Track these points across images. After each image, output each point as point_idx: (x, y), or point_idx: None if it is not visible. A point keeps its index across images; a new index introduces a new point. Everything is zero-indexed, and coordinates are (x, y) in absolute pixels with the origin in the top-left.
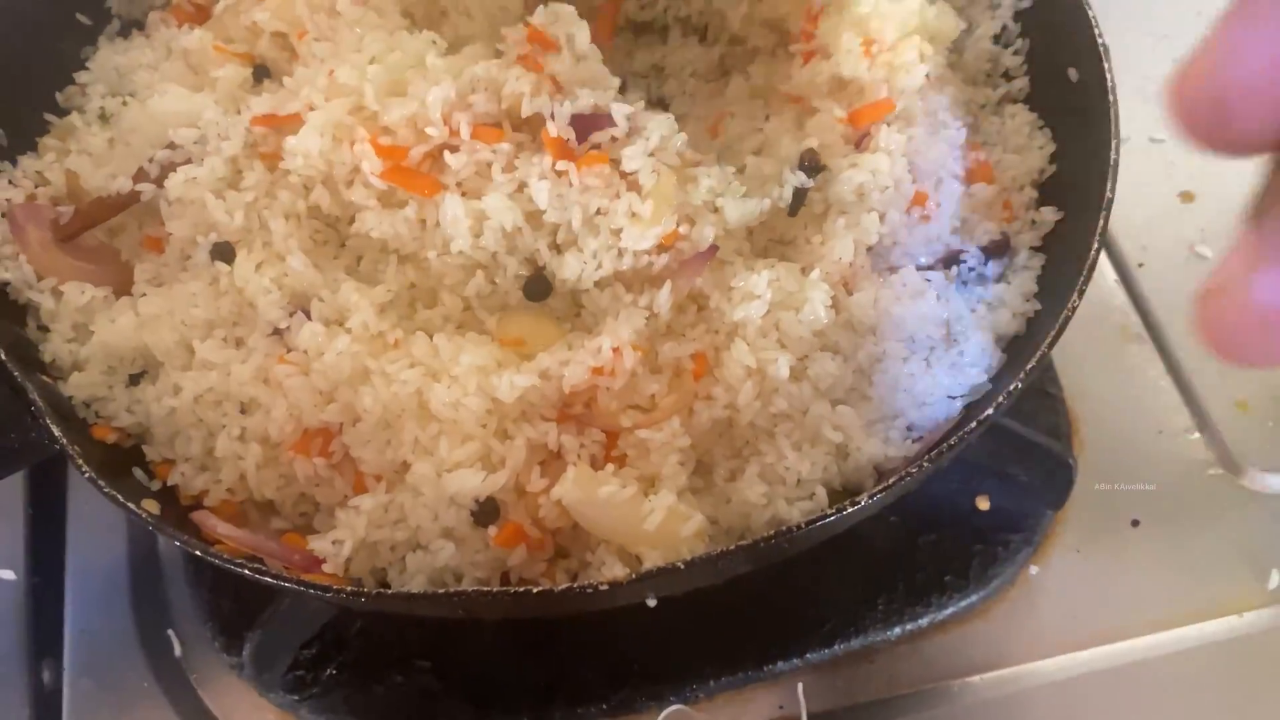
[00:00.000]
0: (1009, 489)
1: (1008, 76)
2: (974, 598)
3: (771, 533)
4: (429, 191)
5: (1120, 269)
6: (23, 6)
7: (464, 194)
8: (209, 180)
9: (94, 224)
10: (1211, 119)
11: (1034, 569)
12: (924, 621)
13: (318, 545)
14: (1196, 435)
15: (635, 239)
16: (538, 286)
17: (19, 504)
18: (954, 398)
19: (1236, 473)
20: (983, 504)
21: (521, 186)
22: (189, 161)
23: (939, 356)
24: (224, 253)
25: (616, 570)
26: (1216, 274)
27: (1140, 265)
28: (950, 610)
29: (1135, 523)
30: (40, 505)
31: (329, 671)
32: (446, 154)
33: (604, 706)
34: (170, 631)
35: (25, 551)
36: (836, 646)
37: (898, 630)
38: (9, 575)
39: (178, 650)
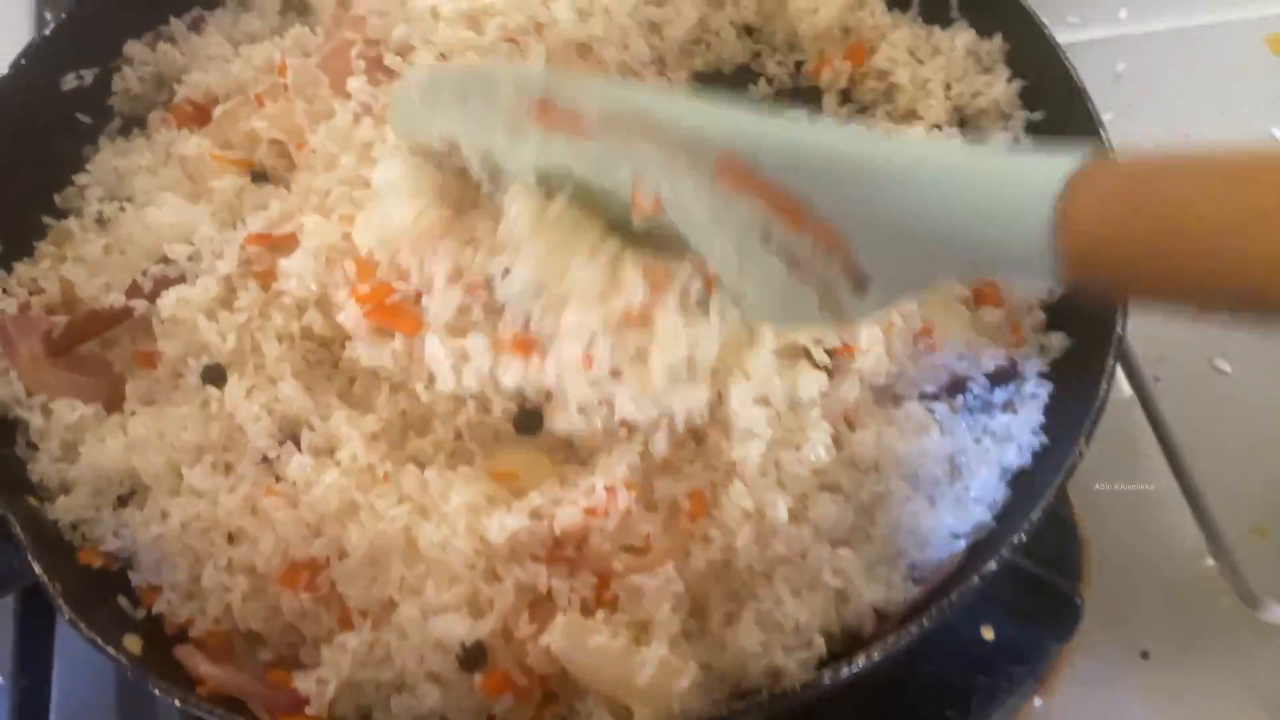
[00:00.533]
0: (1012, 619)
1: None
2: None
3: (766, 695)
4: (410, 330)
5: (1135, 383)
6: (23, 108)
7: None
8: (201, 300)
9: (86, 339)
10: None
11: (1039, 702)
12: None
13: (302, 684)
14: (1211, 562)
15: (631, 410)
16: (528, 421)
17: (8, 604)
18: (958, 536)
19: (1253, 605)
20: (987, 634)
21: None
22: (182, 278)
23: (943, 493)
24: (215, 376)
25: None
26: None
27: (1156, 380)
28: None
29: (1145, 654)
30: (31, 609)
31: None
32: (424, 297)
33: None
34: None
35: (13, 653)
36: None
37: None
38: None
39: None
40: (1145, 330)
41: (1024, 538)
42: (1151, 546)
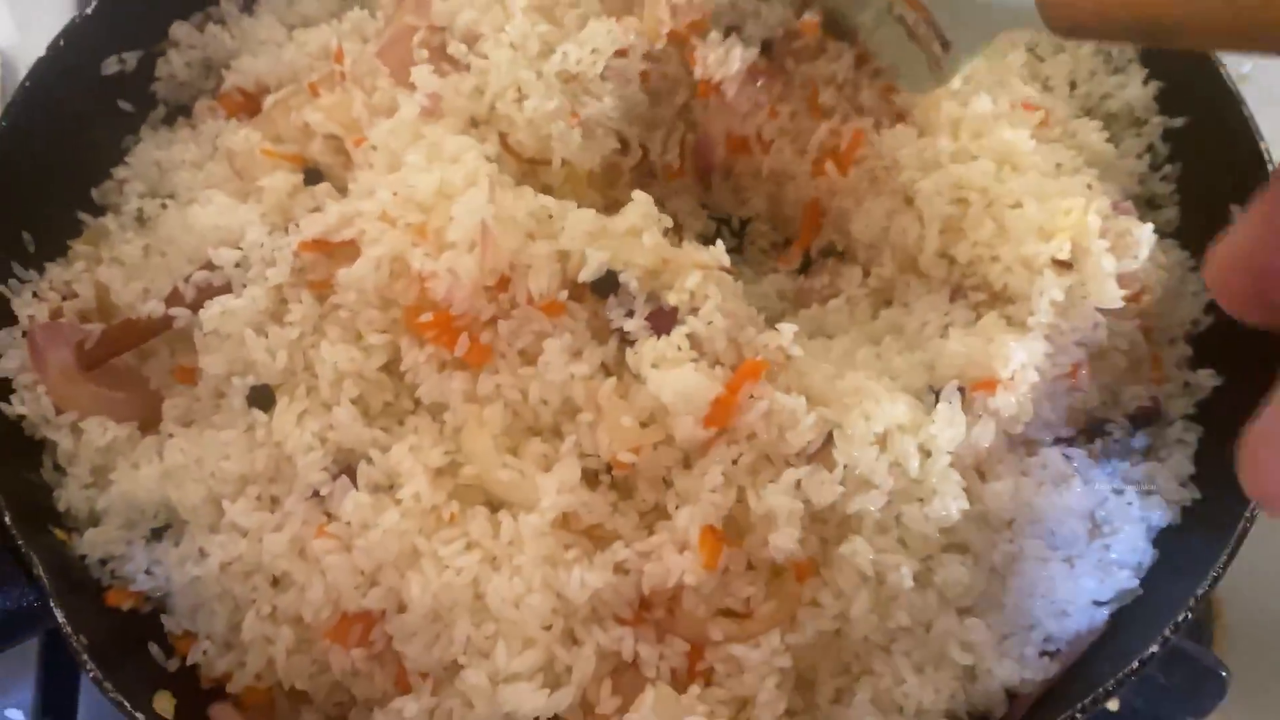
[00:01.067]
0: (1145, 690)
1: (1152, 205)
2: None
3: None
4: (478, 362)
5: None
6: (61, 93)
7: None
8: (249, 313)
9: (121, 350)
10: (1249, 295)
11: None
12: None
13: None
14: None
15: None
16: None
17: (31, 644)
18: (1100, 603)
19: None
20: (1112, 705)
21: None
22: (228, 287)
23: (1082, 554)
24: (262, 399)
25: None
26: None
27: None
28: None
29: None
30: (54, 642)
31: None
32: (500, 321)
33: None
34: None
35: (36, 692)
36: None
37: None
38: (17, 716)
39: None
40: None
41: (1190, 615)
42: None
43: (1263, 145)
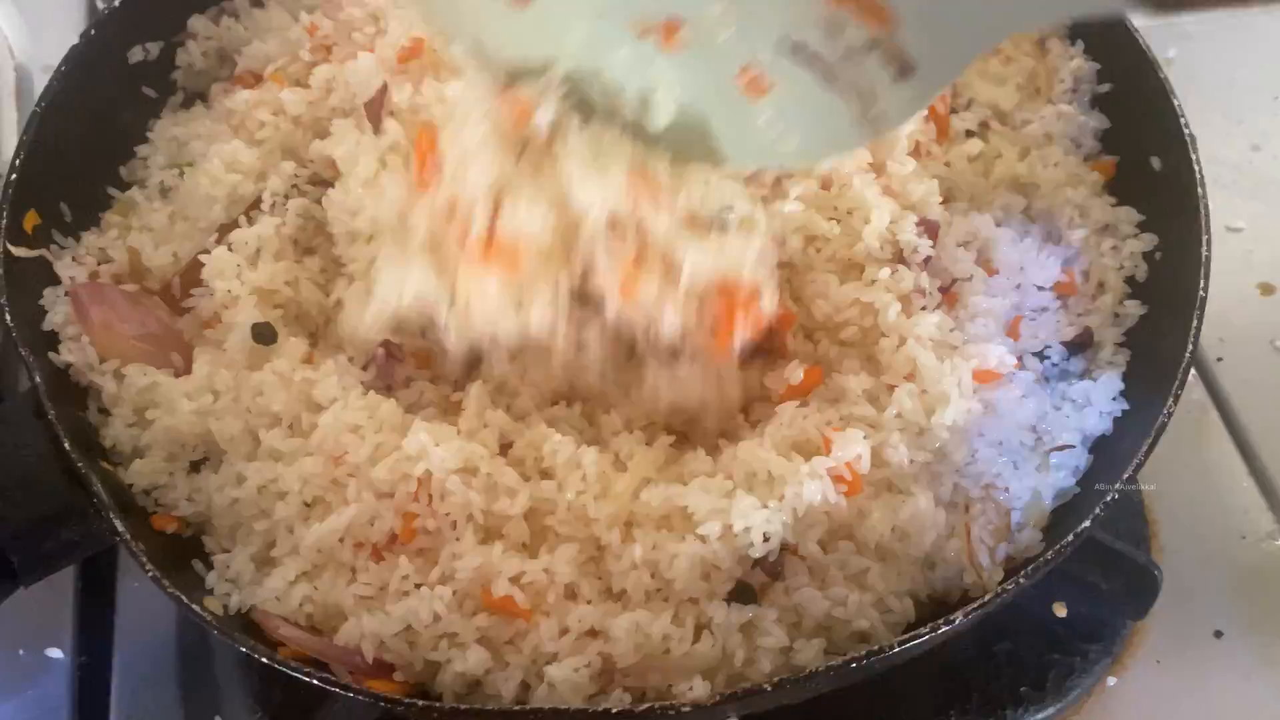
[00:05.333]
0: (1087, 596)
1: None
2: (1051, 710)
3: (863, 652)
4: None
5: (1198, 363)
6: (90, 82)
7: None
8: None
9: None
10: None
11: (1113, 680)
12: None
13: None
14: None
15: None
16: None
17: (69, 582)
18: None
19: None
20: (1059, 611)
21: None
22: None
23: (1025, 459)
24: (264, 335)
25: (700, 691)
26: None
27: (1219, 360)
28: None
29: (1218, 634)
30: (90, 584)
31: None
32: None
33: None
34: (217, 718)
35: (74, 630)
36: None
37: None
38: (57, 654)
39: None
40: (1206, 312)
41: (1117, 496)
42: (1221, 528)
43: (1177, 103)
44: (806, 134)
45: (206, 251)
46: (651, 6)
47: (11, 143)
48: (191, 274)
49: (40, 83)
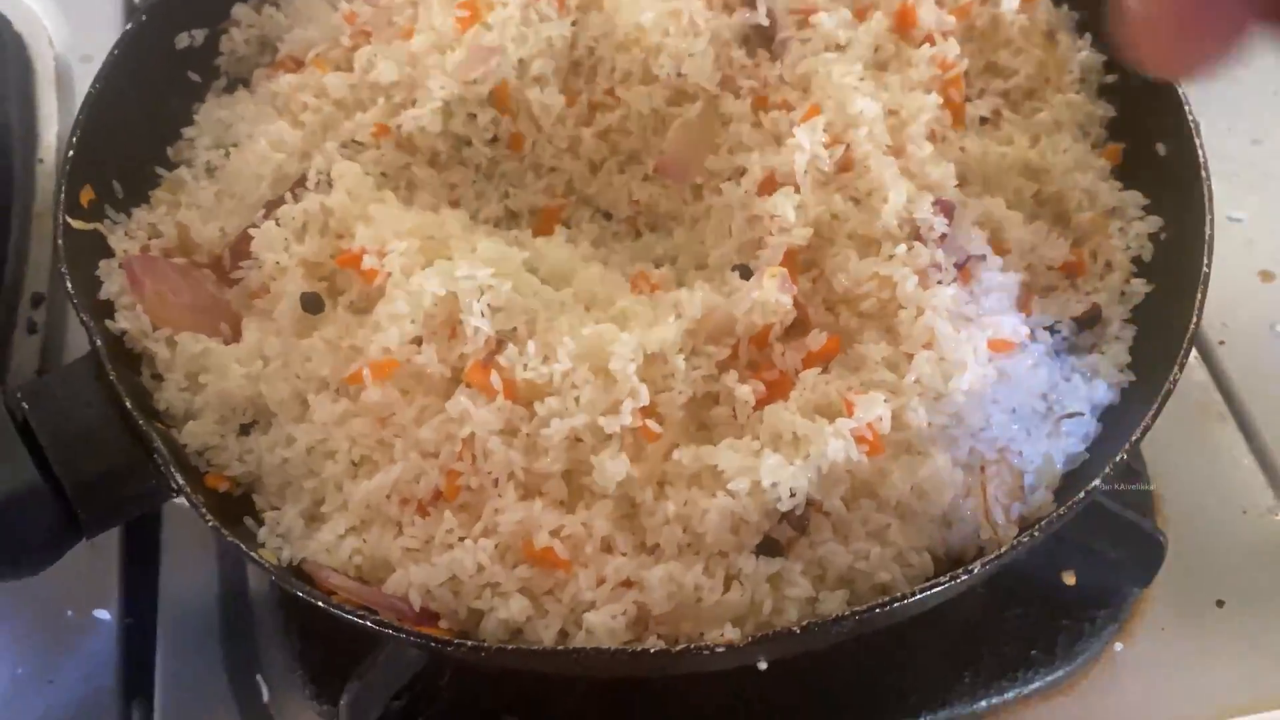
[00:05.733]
0: (1095, 564)
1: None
2: (1060, 673)
3: (885, 598)
4: None
5: (1201, 347)
6: (140, 65)
7: None
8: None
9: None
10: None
11: (1119, 646)
12: (1010, 695)
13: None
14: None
15: None
16: None
17: (114, 544)
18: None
19: None
20: (1069, 579)
21: None
22: None
23: (1037, 425)
24: (312, 304)
25: (731, 635)
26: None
27: (1221, 343)
28: (1036, 685)
29: (1220, 603)
30: (135, 545)
31: None
32: None
33: None
34: (259, 677)
35: (119, 592)
36: (922, 719)
37: (984, 704)
38: (104, 615)
39: (265, 696)
40: (1209, 298)
41: (1125, 457)
42: (1223, 503)
43: (1182, 90)
44: None
45: (255, 226)
46: None
47: (53, 129)
48: (241, 247)
49: (79, 72)
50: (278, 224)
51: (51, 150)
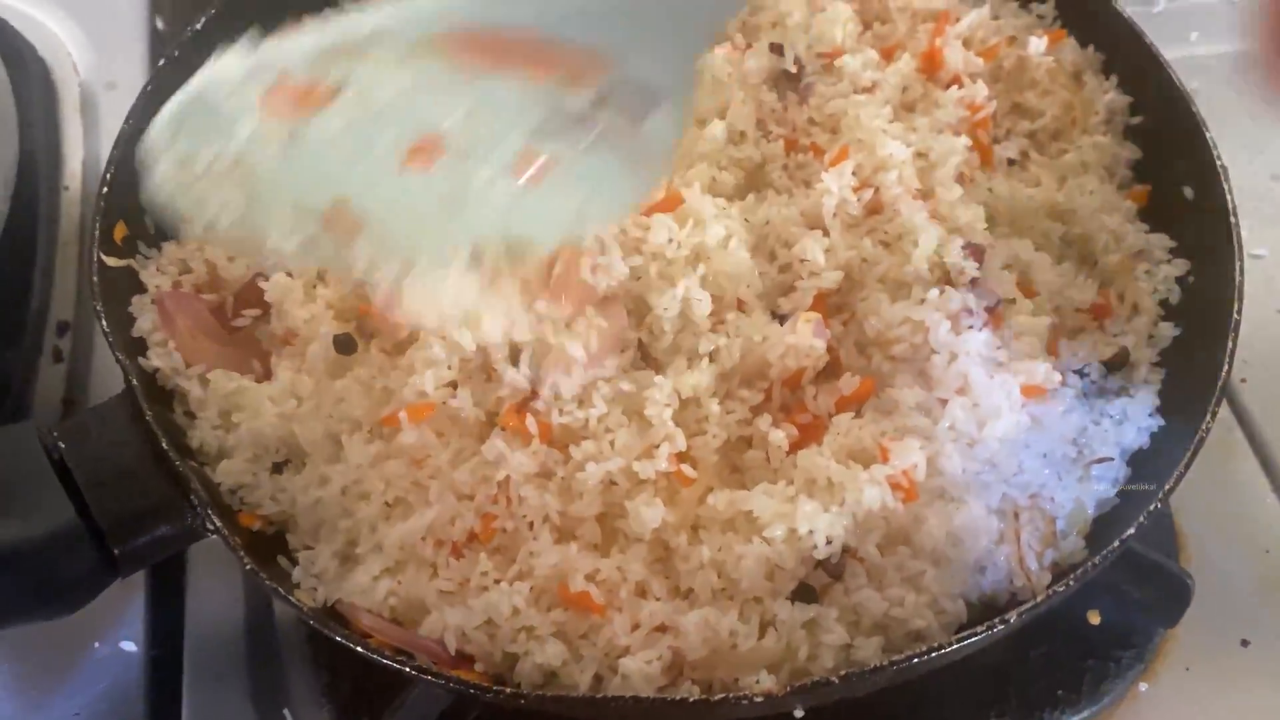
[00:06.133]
0: (1121, 604)
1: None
2: (1085, 713)
3: (923, 649)
4: None
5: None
6: None
7: None
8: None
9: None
10: None
11: (1144, 686)
12: None
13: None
14: None
15: None
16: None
17: (140, 576)
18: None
19: None
20: (1094, 618)
21: None
22: None
23: (1068, 470)
24: (345, 345)
25: (768, 683)
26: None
27: (1243, 381)
28: None
29: (1245, 643)
30: (161, 577)
31: None
32: None
33: None
34: (286, 711)
35: (146, 624)
36: None
37: None
38: (130, 647)
39: None
40: None
41: (1160, 505)
42: (1247, 542)
43: (1210, 136)
44: (603, 196)
45: (263, 275)
46: (407, 130)
47: (78, 156)
48: (246, 294)
49: (104, 99)
50: (290, 275)
51: (77, 178)
